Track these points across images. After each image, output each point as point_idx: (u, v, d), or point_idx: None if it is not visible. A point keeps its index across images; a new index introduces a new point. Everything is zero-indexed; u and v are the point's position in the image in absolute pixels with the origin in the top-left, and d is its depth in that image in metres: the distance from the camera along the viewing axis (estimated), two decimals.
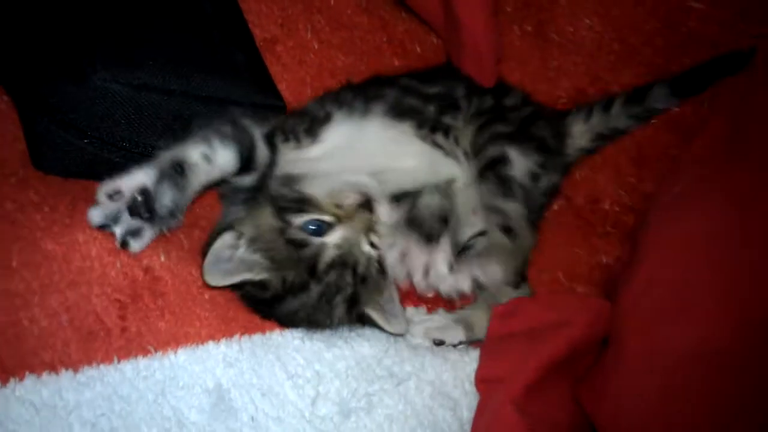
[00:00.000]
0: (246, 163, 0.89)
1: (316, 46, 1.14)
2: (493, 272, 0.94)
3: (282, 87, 1.10)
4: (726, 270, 0.72)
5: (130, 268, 0.84)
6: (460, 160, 1.03)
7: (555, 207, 1.13)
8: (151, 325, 0.82)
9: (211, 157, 0.85)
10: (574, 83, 1.16)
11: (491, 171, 1.00)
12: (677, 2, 1.10)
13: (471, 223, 1.01)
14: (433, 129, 1.03)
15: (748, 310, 0.68)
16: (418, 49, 1.21)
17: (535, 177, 1.03)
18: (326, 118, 0.99)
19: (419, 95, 1.05)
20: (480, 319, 0.95)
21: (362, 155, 0.97)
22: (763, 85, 0.88)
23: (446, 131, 1.04)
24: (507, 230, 0.96)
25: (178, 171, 0.81)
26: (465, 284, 0.94)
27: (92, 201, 0.92)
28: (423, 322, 0.94)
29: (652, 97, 1.10)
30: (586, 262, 1.07)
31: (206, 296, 0.87)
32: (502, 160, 1.01)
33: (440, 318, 0.95)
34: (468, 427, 0.82)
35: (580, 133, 1.12)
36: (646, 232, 0.86)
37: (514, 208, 0.98)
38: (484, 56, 1.05)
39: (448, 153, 1.02)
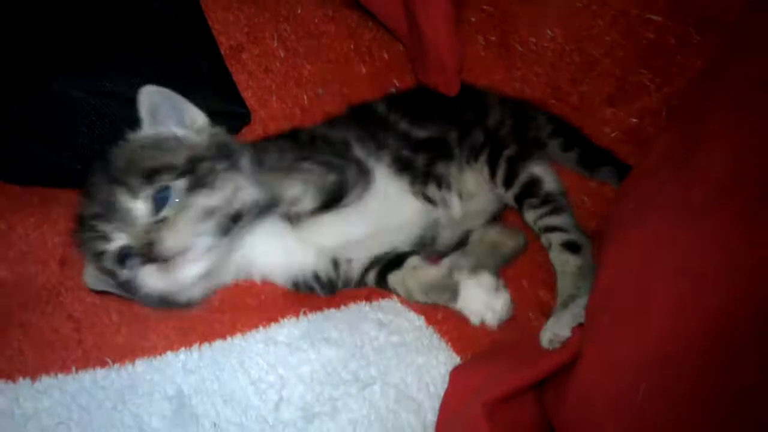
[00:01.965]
0: None
1: (282, 54, 1.14)
2: None
3: (247, 95, 1.10)
4: (677, 280, 0.73)
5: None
6: (451, 205, 1.04)
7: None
8: (107, 339, 0.82)
9: None
10: (537, 94, 1.18)
11: (532, 197, 1.03)
12: (636, 15, 1.12)
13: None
14: (425, 182, 1.02)
15: (698, 318, 0.69)
16: (386, 56, 1.22)
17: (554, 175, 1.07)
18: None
19: (411, 145, 1.04)
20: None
21: (374, 211, 0.96)
22: (715, 97, 0.90)
23: (439, 181, 1.03)
24: (572, 247, 0.97)
25: None
26: None
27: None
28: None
29: (601, 172, 1.15)
30: (548, 269, 1.09)
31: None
32: (536, 181, 1.04)
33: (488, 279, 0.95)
34: (431, 430, 0.82)
35: None
36: (604, 242, 0.87)
37: (563, 221, 1.01)
38: (447, 66, 1.07)
39: (437, 204, 1.02)
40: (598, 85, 1.16)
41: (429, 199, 1.02)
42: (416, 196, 1.01)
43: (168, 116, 0.89)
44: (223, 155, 0.88)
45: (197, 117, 0.91)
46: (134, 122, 0.92)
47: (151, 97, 0.87)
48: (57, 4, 0.93)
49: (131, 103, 0.92)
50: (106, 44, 0.94)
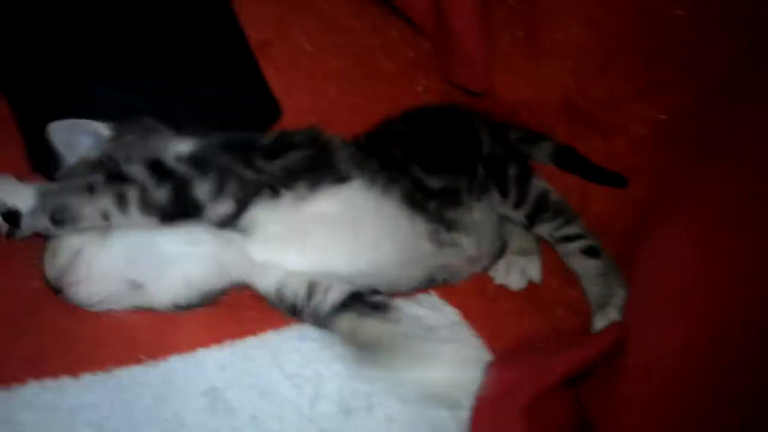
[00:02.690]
0: None
1: (309, 50, 1.14)
2: None
3: (274, 89, 1.10)
4: (707, 276, 0.74)
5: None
6: (463, 244, 1.01)
7: None
8: (137, 339, 0.83)
9: None
10: (562, 90, 1.18)
11: (544, 211, 1.06)
12: (660, 9, 1.12)
13: None
14: (436, 225, 0.98)
15: (731, 312, 0.70)
16: (411, 54, 1.22)
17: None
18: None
19: (425, 191, 1.00)
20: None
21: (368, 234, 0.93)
22: (741, 95, 0.90)
23: (449, 225, 0.99)
24: (592, 252, 1.01)
25: None
26: None
27: None
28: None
29: (539, 147, 1.17)
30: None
31: None
32: (545, 194, 1.07)
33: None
34: (466, 427, 0.83)
35: None
36: (641, 241, 0.88)
37: (578, 228, 1.05)
38: (476, 62, 1.06)
39: (442, 246, 0.98)
40: (624, 80, 1.15)
41: (439, 243, 0.97)
42: (431, 241, 0.96)
43: (81, 143, 0.88)
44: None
45: (101, 129, 0.88)
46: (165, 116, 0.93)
47: (59, 133, 0.87)
48: (89, 5, 0.94)
49: (160, 98, 0.93)
50: (139, 43, 0.95)
